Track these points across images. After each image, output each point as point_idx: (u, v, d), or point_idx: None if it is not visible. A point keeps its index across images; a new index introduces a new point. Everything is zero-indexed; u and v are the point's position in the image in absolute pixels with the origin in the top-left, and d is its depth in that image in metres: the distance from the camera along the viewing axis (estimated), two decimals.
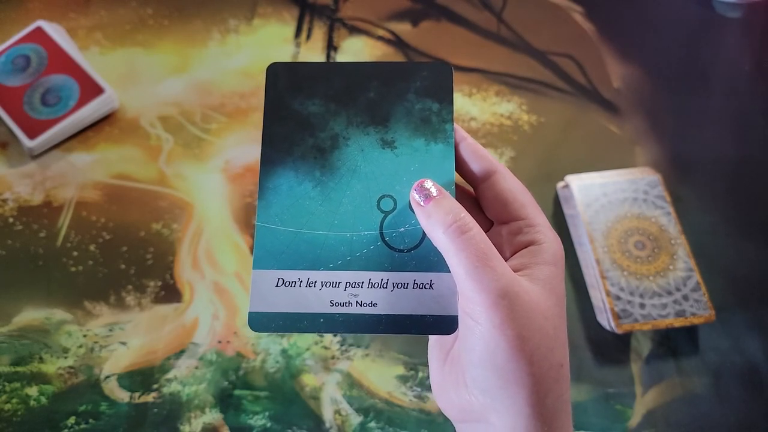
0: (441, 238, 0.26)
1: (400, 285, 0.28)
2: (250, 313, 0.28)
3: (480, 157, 0.30)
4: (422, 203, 0.27)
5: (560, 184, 0.58)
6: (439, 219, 0.26)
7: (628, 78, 0.66)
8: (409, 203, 0.29)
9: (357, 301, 0.28)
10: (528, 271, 0.26)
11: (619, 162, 0.59)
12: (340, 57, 0.66)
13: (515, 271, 0.26)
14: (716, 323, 0.51)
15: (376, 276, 0.28)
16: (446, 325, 0.27)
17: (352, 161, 0.30)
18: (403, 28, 0.68)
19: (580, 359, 0.52)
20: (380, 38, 0.68)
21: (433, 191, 0.27)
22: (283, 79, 0.31)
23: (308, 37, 0.67)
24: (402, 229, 0.29)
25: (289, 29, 0.68)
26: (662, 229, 0.53)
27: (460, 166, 0.30)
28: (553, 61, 0.66)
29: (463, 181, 0.31)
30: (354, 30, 0.68)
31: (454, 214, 0.26)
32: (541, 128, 0.62)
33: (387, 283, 0.28)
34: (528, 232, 0.28)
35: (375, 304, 0.28)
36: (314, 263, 0.28)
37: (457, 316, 0.27)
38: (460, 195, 0.31)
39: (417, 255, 0.28)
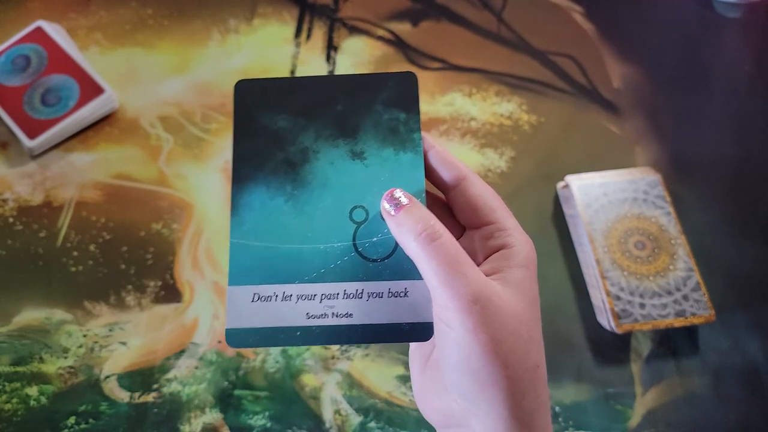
0: (412, 246, 0.26)
1: (375, 294, 0.28)
2: (226, 329, 0.28)
3: (449, 164, 0.30)
4: (393, 212, 0.27)
5: (560, 184, 0.58)
6: (409, 227, 0.26)
7: (628, 78, 0.66)
8: (381, 213, 0.29)
9: (333, 313, 0.28)
10: (500, 274, 0.26)
11: (619, 162, 0.59)
12: (340, 57, 0.66)
13: (487, 275, 0.26)
14: (716, 323, 0.51)
15: (351, 286, 0.28)
16: (422, 331, 0.27)
17: (322, 174, 0.30)
18: (403, 28, 0.68)
19: (580, 359, 0.52)
20: (380, 38, 0.68)
21: (403, 200, 0.28)
22: (250, 96, 0.31)
23: (308, 37, 0.67)
24: (375, 239, 0.29)
25: (289, 29, 0.68)
26: (662, 229, 0.53)
27: (430, 173, 0.30)
28: (553, 61, 0.67)
29: (435, 188, 0.31)
30: (354, 30, 0.68)
31: (424, 222, 0.26)
32: (541, 128, 0.62)
33: (362, 293, 0.28)
34: (499, 236, 0.28)
35: (351, 315, 0.28)
36: (289, 277, 0.28)
37: (432, 322, 0.27)
38: (433, 202, 0.31)
39: (390, 264, 0.28)
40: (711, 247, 0.56)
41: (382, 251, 0.29)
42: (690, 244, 0.52)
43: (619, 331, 0.49)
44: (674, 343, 0.52)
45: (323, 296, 0.28)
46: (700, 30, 0.69)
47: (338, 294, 0.28)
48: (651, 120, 0.63)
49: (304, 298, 0.28)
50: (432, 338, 0.28)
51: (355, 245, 0.29)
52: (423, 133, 0.30)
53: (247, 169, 0.30)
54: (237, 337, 0.28)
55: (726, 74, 0.66)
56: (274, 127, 0.31)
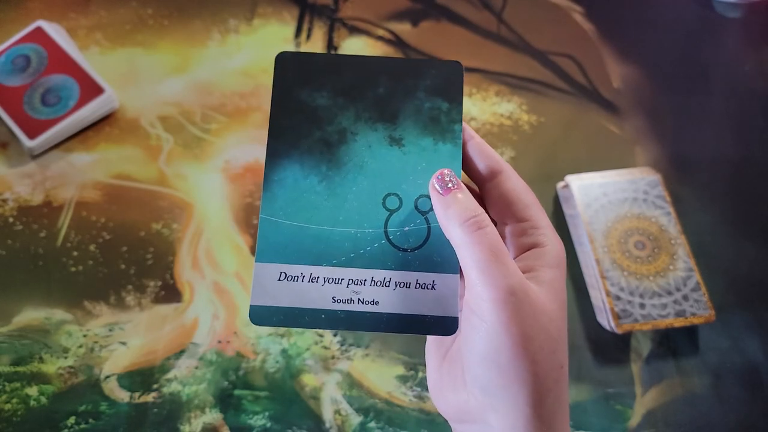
0: (456, 232, 0.26)
1: (402, 284, 0.28)
2: (251, 306, 0.28)
3: (487, 156, 0.30)
4: (441, 192, 0.27)
5: (560, 184, 0.58)
6: (457, 212, 0.26)
7: (628, 78, 0.66)
8: (415, 203, 0.29)
9: (359, 299, 0.28)
10: (533, 273, 0.26)
11: (619, 162, 0.59)
12: None
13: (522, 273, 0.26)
14: (716, 323, 0.51)
15: (379, 274, 0.28)
16: (446, 326, 0.27)
17: (359, 157, 0.29)
18: (403, 28, 0.68)
19: (580, 359, 0.52)
20: (380, 38, 0.68)
21: (453, 183, 0.27)
22: (292, 70, 0.31)
23: (308, 37, 0.67)
24: (406, 229, 0.29)
25: (289, 29, 0.68)
26: (662, 229, 0.53)
27: (467, 164, 0.30)
28: (553, 61, 0.67)
29: (469, 179, 0.31)
30: (354, 30, 0.68)
31: (472, 209, 0.26)
32: (541, 128, 0.62)
33: (389, 281, 0.28)
34: (532, 234, 0.28)
35: (377, 303, 0.28)
36: (318, 259, 0.28)
37: (457, 317, 0.27)
38: None
39: (420, 255, 0.28)
40: (711, 247, 0.56)
41: (413, 241, 0.28)
42: (690, 244, 0.52)
43: (619, 331, 0.49)
44: (674, 343, 0.52)
45: (350, 281, 0.28)
46: (700, 30, 0.69)
47: (366, 280, 0.28)
48: (651, 120, 0.63)
49: (331, 281, 0.28)
50: (454, 334, 0.28)
51: (386, 233, 0.28)
52: (463, 124, 0.30)
53: (282, 145, 0.30)
54: (261, 315, 0.28)
55: (726, 74, 0.66)
56: (313, 104, 0.30)
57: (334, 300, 0.28)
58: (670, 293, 0.50)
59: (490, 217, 0.30)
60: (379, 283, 0.28)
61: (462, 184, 0.28)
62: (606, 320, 0.50)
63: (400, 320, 0.27)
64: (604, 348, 0.52)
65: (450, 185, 0.27)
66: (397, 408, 0.50)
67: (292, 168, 0.29)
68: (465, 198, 0.27)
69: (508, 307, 0.24)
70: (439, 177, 0.28)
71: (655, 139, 0.62)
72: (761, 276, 0.55)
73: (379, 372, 0.51)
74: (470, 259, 0.25)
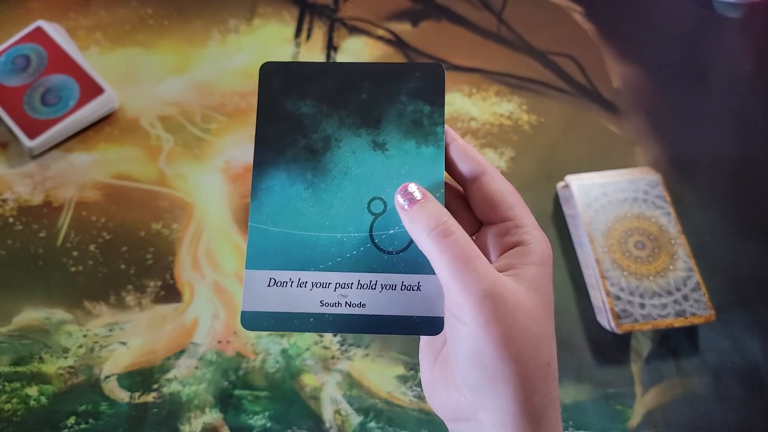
0: (425, 242, 0.26)
1: (388, 286, 0.28)
2: (242, 312, 0.28)
3: (469, 158, 0.30)
4: (406, 207, 0.28)
5: (560, 184, 0.58)
6: (423, 223, 0.26)
7: (628, 78, 0.66)
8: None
9: (346, 302, 0.28)
10: (514, 271, 0.27)
11: (619, 162, 0.59)
12: (340, 57, 0.66)
13: (502, 271, 0.26)
14: (716, 323, 0.51)
15: (365, 277, 0.28)
16: (433, 325, 0.28)
17: (343, 163, 0.30)
18: (403, 28, 0.68)
19: (580, 359, 0.52)
20: (380, 38, 0.68)
21: (417, 195, 0.28)
22: (276, 79, 0.31)
23: (308, 37, 0.67)
24: (391, 232, 0.29)
25: (289, 29, 0.68)
26: (662, 229, 0.53)
27: (450, 167, 0.30)
28: (553, 61, 0.67)
29: (455, 182, 0.31)
30: (354, 30, 0.68)
31: (437, 218, 0.26)
32: (541, 128, 0.62)
33: (376, 284, 0.28)
34: (515, 233, 0.28)
35: (364, 305, 0.28)
36: (305, 264, 0.29)
37: (443, 317, 0.28)
38: (452, 196, 0.31)
39: (405, 257, 0.29)
40: (711, 247, 0.56)
41: (397, 244, 0.29)
42: (690, 244, 0.52)
43: (619, 331, 0.49)
44: (674, 343, 0.52)
45: (338, 285, 0.28)
46: (700, 30, 0.69)
47: (352, 284, 0.28)
48: (651, 120, 0.63)
49: (318, 285, 0.28)
50: (443, 333, 0.28)
51: (371, 236, 0.29)
52: (446, 127, 0.30)
53: (268, 153, 0.30)
54: (252, 320, 0.28)
55: (726, 74, 0.66)
56: (298, 112, 0.31)
57: (321, 304, 0.28)
58: (670, 293, 0.50)
59: (475, 217, 0.30)
60: (365, 286, 0.28)
61: (427, 194, 0.28)
62: (606, 320, 0.50)
63: (387, 321, 0.28)
64: (604, 348, 0.52)
65: (416, 196, 0.28)
66: (397, 408, 0.50)
67: (279, 176, 0.30)
68: (431, 206, 0.27)
69: (484, 310, 0.24)
70: (403, 192, 0.28)
71: (655, 139, 0.62)
72: (761, 276, 0.55)
73: (379, 372, 0.51)
74: (442, 267, 0.25)
